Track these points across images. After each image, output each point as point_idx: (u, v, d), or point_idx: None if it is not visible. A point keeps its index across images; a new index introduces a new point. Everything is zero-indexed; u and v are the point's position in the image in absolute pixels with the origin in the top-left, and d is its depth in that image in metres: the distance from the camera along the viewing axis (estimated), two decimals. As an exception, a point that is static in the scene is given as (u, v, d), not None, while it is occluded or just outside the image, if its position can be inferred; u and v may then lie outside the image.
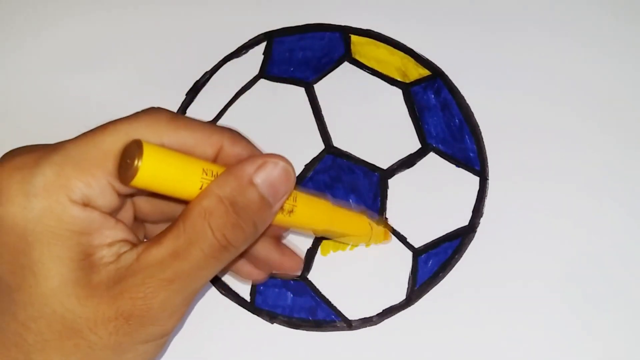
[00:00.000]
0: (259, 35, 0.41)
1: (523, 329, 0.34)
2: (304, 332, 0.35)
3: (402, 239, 0.36)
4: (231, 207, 0.24)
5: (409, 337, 0.34)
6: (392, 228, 0.36)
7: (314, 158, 0.38)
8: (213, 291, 0.36)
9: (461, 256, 0.35)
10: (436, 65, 0.40)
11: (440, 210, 0.36)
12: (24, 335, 0.24)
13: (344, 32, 0.41)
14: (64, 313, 0.23)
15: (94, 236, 0.24)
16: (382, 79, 0.40)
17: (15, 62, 0.42)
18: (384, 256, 0.36)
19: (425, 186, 0.37)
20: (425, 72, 0.40)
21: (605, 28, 0.40)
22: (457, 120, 0.38)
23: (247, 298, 0.35)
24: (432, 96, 0.39)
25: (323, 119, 0.39)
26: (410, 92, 0.39)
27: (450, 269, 0.35)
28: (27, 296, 0.23)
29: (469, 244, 0.36)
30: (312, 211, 0.30)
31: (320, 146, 0.38)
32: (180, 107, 0.40)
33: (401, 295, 0.35)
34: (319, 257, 0.36)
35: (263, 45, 0.41)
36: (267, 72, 0.40)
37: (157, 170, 0.23)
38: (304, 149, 0.38)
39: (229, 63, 0.41)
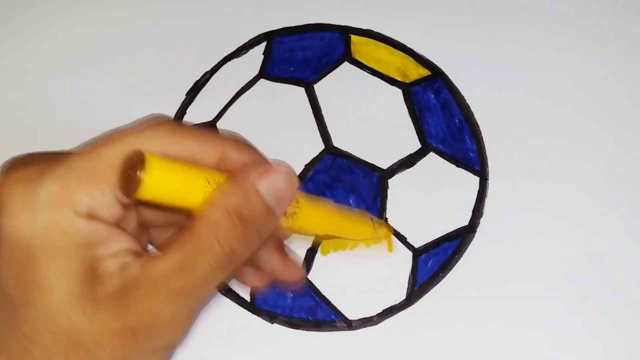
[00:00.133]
0: (259, 35, 0.41)
1: (523, 329, 0.34)
2: (304, 332, 0.35)
3: (402, 239, 0.36)
4: (238, 219, 0.24)
5: (409, 337, 0.34)
6: (392, 228, 0.36)
7: (314, 158, 0.38)
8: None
9: (461, 256, 0.35)
10: (436, 65, 0.40)
11: (440, 210, 0.36)
12: (30, 349, 0.24)
13: (344, 32, 0.41)
14: (69, 327, 0.23)
15: (98, 248, 0.24)
16: (382, 79, 0.40)
17: (15, 62, 0.42)
18: (384, 256, 0.36)
19: (425, 186, 0.37)
20: (425, 72, 0.40)
21: (605, 28, 0.40)
22: (457, 120, 0.38)
23: (247, 298, 0.35)
24: (432, 96, 0.39)
25: (323, 119, 0.39)
26: (410, 92, 0.39)
27: (450, 269, 0.35)
28: (33, 310, 0.23)
29: (469, 244, 0.36)
30: (315, 214, 0.30)
31: (320, 146, 0.38)
32: (180, 107, 0.40)
33: (401, 295, 0.35)
34: (319, 257, 0.36)
35: (263, 45, 0.41)
36: (267, 72, 0.40)
37: (160, 182, 0.23)
38: (304, 149, 0.38)
39: (229, 63, 0.41)
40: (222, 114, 0.39)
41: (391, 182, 0.37)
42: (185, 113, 0.40)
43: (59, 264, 0.23)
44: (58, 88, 0.41)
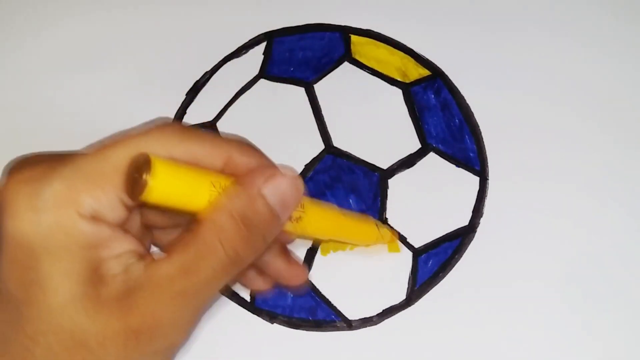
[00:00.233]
0: (259, 35, 0.41)
1: (523, 329, 0.34)
2: (304, 332, 0.35)
3: (402, 239, 0.36)
4: (242, 222, 0.24)
5: (409, 337, 0.34)
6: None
7: (314, 158, 0.38)
8: (213, 291, 0.36)
9: (461, 256, 0.35)
10: (436, 65, 0.40)
11: (440, 210, 0.36)
12: (32, 349, 0.24)
13: (344, 32, 0.41)
14: (72, 328, 0.23)
15: (102, 249, 0.24)
16: (382, 79, 0.40)
17: (15, 62, 0.42)
18: (384, 256, 0.36)
19: (425, 186, 0.37)
20: (425, 72, 0.40)
21: (605, 28, 0.40)
22: (457, 120, 0.38)
23: (247, 298, 0.35)
24: (432, 96, 0.39)
25: (323, 119, 0.39)
26: (410, 92, 0.39)
27: (450, 269, 0.35)
28: (36, 310, 0.23)
29: (469, 244, 0.36)
30: (320, 218, 0.30)
31: (320, 146, 0.38)
32: (180, 107, 0.40)
33: (401, 295, 0.35)
34: (319, 257, 0.36)
35: (263, 45, 0.41)
36: (267, 72, 0.40)
37: (165, 185, 0.23)
38: (304, 149, 0.38)
39: (229, 63, 0.41)
40: (222, 114, 0.39)
41: (391, 182, 0.37)
42: (185, 113, 0.40)
43: (62, 265, 0.23)
44: (58, 88, 0.41)
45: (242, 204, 0.24)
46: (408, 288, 0.35)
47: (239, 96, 0.40)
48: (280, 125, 0.39)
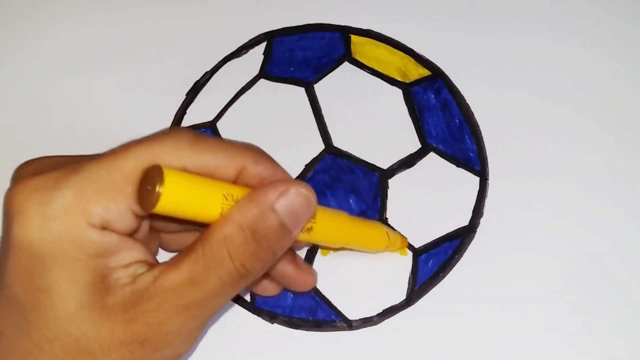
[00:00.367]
0: (259, 35, 0.41)
1: (523, 329, 0.34)
2: (304, 332, 0.35)
3: (402, 239, 0.36)
4: (251, 235, 0.24)
5: (409, 337, 0.34)
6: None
7: (314, 158, 0.38)
8: (213, 291, 0.36)
9: (461, 256, 0.35)
10: (436, 65, 0.40)
11: (440, 210, 0.36)
12: (37, 355, 0.24)
13: (344, 32, 0.41)
14: (78, 336, 0.23)
15: (110, 258, 0.24)
16: (382, 79, 0.40)
17: (15, 62, 0.42)
18: (384, 256, 0.36)
19: (425, 186, 0.37)
20: (425, 72, 0.40)
21: (605, 28, 0.40)
22: (457, 120, 0.38)
23: (247, 298, 0.35)
24: (432, 96, 0.39)
25: (323, 119, 0.39)
26: (410, 92, 0.39)
27: (450, 269, 0.35)
28: (43, 318, 0.23)
29: (469, 244, 0.36)
30: (331, 227, 0.30)
31: (320, 146, 0.38)
32: (180, 107, 0.40)
33: (401, 295, 0.35)
34: (319, 257, 0.36)
35: (263, 45, 0.41)
36: (267, 72, 0.40)
37: (177, 197, 0.23)
38: (304, 149, 0.38)
39: (229, 63, 0.41)
40: (222, 114, 0.39)
41: (391, 182, 0.37)
42: (185, 113, 0.40)
43: (70, 273, 0.23)
44: (58, 88, 0.41)
45: (252, 217, 0.24)
46: (408, 288, 0.35)
47: (239, 96, 0.40)
48: (280, 125, 0.39)
